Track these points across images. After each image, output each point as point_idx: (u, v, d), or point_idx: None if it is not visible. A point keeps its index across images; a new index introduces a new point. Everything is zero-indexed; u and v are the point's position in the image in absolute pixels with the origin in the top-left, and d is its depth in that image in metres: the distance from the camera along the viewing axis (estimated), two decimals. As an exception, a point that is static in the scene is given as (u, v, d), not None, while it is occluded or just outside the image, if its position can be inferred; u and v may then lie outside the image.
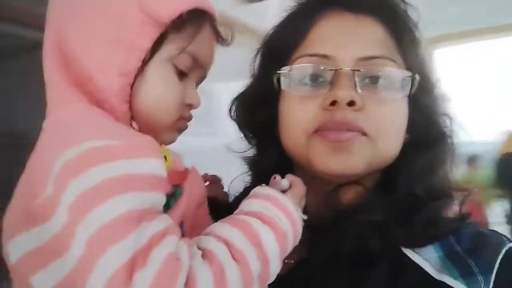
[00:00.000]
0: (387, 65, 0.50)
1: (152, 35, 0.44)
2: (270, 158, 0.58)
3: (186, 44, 0.47)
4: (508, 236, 0.51)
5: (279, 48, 0.56)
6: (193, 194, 0.47)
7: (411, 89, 0.52)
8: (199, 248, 0.39)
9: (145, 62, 0.45)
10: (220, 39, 0.52)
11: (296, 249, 0.47)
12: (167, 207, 0.43)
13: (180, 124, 0.50)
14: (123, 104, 0.44)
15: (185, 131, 0.52)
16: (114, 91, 0.43)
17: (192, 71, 0.50)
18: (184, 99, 0.49)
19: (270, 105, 0.57)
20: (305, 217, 0.47)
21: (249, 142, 0.62)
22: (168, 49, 0.46)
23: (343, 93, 0.47)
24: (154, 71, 0.46)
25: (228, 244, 0.40)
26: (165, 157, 0.45)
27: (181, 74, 0.48)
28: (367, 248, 0.47)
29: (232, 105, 0.63)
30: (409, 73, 0.51)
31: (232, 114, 0.63)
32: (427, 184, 0.52)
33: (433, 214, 0.50)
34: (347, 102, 0.47)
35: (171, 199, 0.44)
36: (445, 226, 0.50)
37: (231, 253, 0.40)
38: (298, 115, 0.52)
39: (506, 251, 0.47)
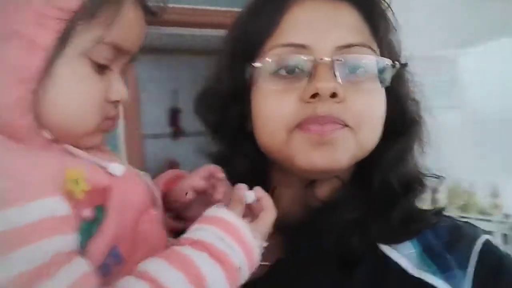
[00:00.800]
0: (366, 53, 0.49)
1: (55, 27, 0.37)
2: (245, 158, 0.53)
3: (103, 32, 0.39)
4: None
5: (248, 37, 0.51)
6: (127, 207, 0.41)
7: (391, 78, 0.51)
8: None
9: (50, 62, 0.37)
10: (149, 14, 0.45)
11: (272, 250, 0.45)
12: (89, 235, 0.37)
13: (105, 125, 0.44)
14: (24, 117, 0.37)
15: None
16: (11, 102, 0.37)
17: (115, 61, 0.42)
18: (108, 96, 0.42)
19: (241, 101, 0.52)
20: (266, 244, 0.43)
21: (219, 144, 0.57)
22: (80, 41, 0.39)
23: (325, 85, 0.45)
24: (64, 70, 0.39)
25: None
26: (77, 181, 0.37)
27: (101, 68, 0.41)
28: (347, 247, 0.46)
29: (196, 103, 0.57)
30: (389, 61, 0.50)
31: (198, 110, 0.57)
32: (401, 173, 0.51)
33: (409, 208, 0.51)
34: (330, 94, 0.45)
35: (93, 225, 0.38)
36: (422, 221, 0.50)
37: None
38: (276, 110, 0.48)
39: (484, 244, 0.48)
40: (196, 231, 0.41)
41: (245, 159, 0.53)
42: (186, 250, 0.38)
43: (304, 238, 0.48)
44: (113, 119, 0.45)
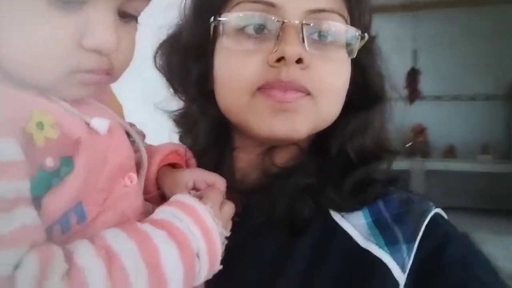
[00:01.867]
0: (336, 20, 0.46)
1: None
2: (206, 118, 0.51)
3: None
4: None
5: None
6: (101, 164, 0.38)
7: (358, 49, 0.48)
8: (69, 258, 0.32)
9: None
10: None
11: None
12: (48, 186, 0.34)
13: (84, 78, 0.36)
14: None
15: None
16: None
17: None
18: (81, 40, 0.34)
19: (204, 57, 0.50)
20: (227, 234, 0.42)
21: (179, 98, 0.56)
22: None
23: (292, 50, 0.43)
24: (13, 5, 0.31)
25: (110, 261, 0.33)
26: (42, 125, 0.34)
27: (68, 2, 0.33)
28: (298, 213, 0.46)
29: (156, 53, 0.55)
30: (358, 31, 0.47)
31: (157, 63, 0.55)
32: (359, 145, 0.50)
33: (362, 177, 0.49)
34: (295, 60, 0.43)
35: (54, 176, 0.35)
36: (373, 190, 0.48)
37: (110, 272, 0.32)
38: (239, 70, 0.46)
39: (431, 217, 0.47)
40: (157, 213, 0.40)
41: (206, 119, 0.51)
42: (146, 227, 0.37)
43: (258, 202, 0.48)
44: (95, 72, 0.37)
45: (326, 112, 0.47)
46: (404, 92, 3.74)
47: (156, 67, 0.55)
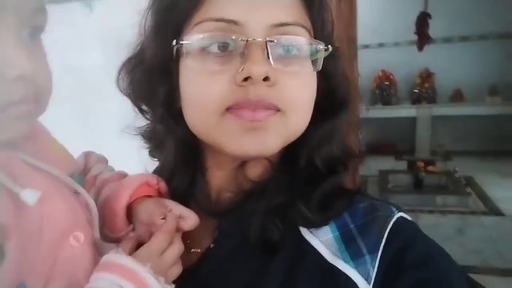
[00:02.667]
0: (300, 33, 0.46)
1: None
2: (175, 138, 0.50)
3: None
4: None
5: (174, 8, 0.47)
6: (37, 236, 0.36)
7: (323, 61, 0.48)
8: None
9: None
10: None
11: (203, 236, 0.46)
12: None
13: (15, 110, 0.34)
14: None
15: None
16: None
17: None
18: (3, 71, 0.32)
19: (169, 76, 0.49)
20: (172, 286, 0.41)
21: (146, 118, 0.54)
22: None
23: (258, 69, 0.43)
24: None
25: None
26: None
27: None
28: (270, 232, 0.46)
29: (119, 74, 0.53)
30: (322, 44, 0.47)
31: (120, 85, 0.53)
32: (327, 154, 0.50)
33: (330, 189, 0.49)
34: (262, 78, 0.43)
35: None
36: (340, 204, 0.48)
37: None
38: (206, 91, 0.45)
39: (393, 223, 0.46)
40: (94, 280, 0.38)
41: (175, 139, 0.50)
42: None
43: (233, 224, 0.48)
44: (25, 101, 0.35)
45: (296, 125, 0.47)
46: (414, 37, 3.62)
47: (119, 89, 0.53)
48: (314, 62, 0.47)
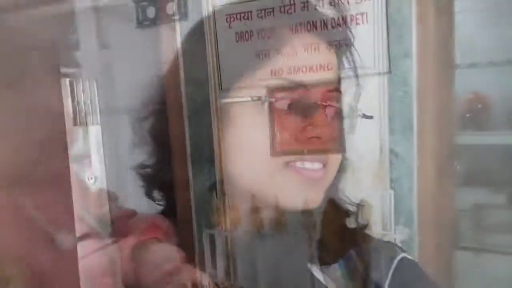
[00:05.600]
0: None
1: None
2: (206, 180, 0.50)
3: None
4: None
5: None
6: None
7: None
8: None
9: None
10: None
11: None
12: None
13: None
14: None
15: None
16: None
17: None
18: None
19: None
20: None
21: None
22: None
23: (324, 131, 0.46)
24: None
25: None
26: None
27: None
28: (282, 272, 0.47)
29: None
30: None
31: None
32: (338, 194, 0.51)
33: (342, 227, 0.49)
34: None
35: None
36: (350, 241, 0.49)
37: None
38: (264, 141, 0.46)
39: (397, 262, 0.48)
40: None
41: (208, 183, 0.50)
42: None
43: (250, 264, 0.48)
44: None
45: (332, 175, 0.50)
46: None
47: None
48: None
